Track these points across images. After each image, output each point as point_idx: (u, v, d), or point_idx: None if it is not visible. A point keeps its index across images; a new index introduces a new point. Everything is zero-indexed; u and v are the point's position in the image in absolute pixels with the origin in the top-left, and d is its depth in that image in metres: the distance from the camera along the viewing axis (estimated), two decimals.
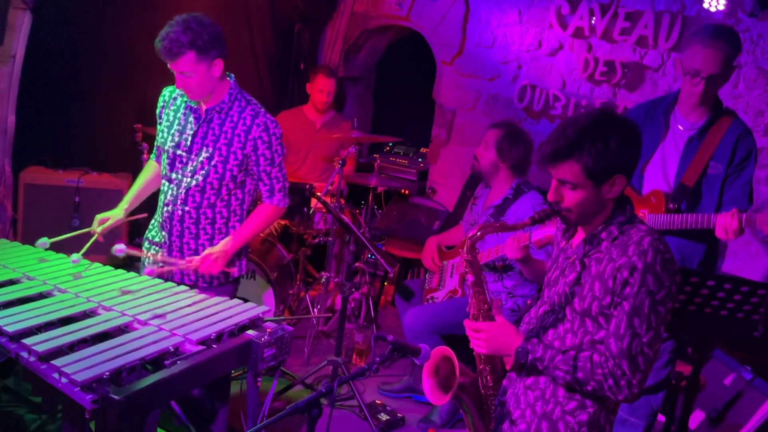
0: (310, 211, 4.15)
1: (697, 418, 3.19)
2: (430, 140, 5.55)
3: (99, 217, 2.77)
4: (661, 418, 3.10)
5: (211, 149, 2.67)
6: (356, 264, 4.54)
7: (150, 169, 2.95)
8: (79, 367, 1.88)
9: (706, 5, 3.99)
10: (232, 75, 2.73)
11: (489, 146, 3.47)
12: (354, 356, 4.10)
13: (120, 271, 2.68)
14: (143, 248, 2.90)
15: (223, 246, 2.71)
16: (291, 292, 4.27)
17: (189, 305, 2.43)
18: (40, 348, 1.95)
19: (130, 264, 3.16)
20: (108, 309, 2.31)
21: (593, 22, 4.48)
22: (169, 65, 2.55)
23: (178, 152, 2.71)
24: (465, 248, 2.03)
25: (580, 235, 1.95)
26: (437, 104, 5.46)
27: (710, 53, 2.54)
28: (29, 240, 2.82)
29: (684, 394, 2.70)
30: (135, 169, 3.52)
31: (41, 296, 2.35)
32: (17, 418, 2.97)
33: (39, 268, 2.57)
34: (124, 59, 4.16)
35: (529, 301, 2.16)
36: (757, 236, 2.42)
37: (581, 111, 1.87)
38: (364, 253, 4.56)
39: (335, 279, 4.36)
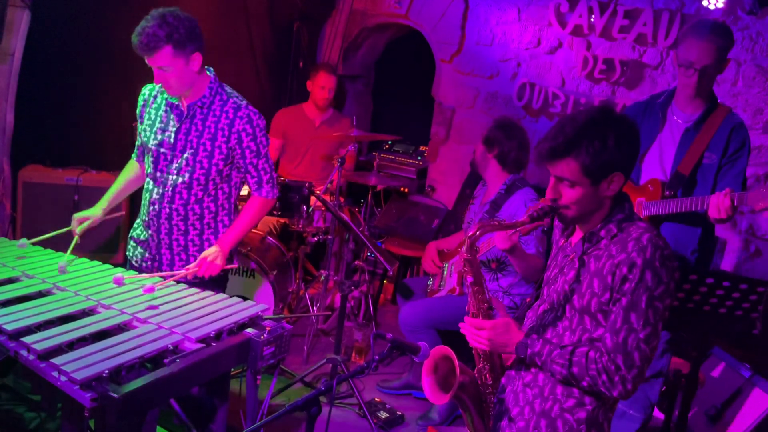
0: (310, 210, 4.15)
1: (695, 415, 3.20)
2: (429, 138, 5.55)
3: (77, 216, 2.75)
4: (660, 415, 3.11)
5: (195, 145, 2.67)
6: (356, 262, 4.55)
7: (130, 168, 2.94)
8: (79, 366, 1.88)
9: (705, 3, 3.99)
10: (212, 69, 2.72)
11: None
12: (353, 354, 4.10)
13: (119, 269, 2.68)
14: (128, 248, 2.91)
15: (218, 245, 2.72)
16: (290, 290, 4.27)
17: (188, 303, 2.44)
18: (39, 346, 1.95)
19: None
20: (107, 307, 2.31)
21: (592, 20, 4.48)
22: (146, 60, 2.54)
23: (162, 150, 2.71)
24: (465, 247, 2.03)
25: (578, 233, 1.95)
26: (436, 102, 5.46)
27: (703, 45, 2.68)
28: (28, 238, 2.81)
29: (683, 391, 2.71)
30: None
31: (40, 294, 2.35)
32: (17, 417, 2.97)
33: (39, 267, 2.57)
34: (122, 57, 4.13)
35: (528, 299, 2.16)
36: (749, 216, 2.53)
37: (580, 109, 1.89)
38: (364, 252, 4.56)
39: (335, 277, 4.36)
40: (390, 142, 5.88)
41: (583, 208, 1.86)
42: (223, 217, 2.81)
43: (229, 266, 2.80)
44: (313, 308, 4.44)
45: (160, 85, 2.63)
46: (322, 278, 4.31)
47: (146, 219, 2.79)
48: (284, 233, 4.52)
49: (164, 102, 2.73)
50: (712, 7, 3.98)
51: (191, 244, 2.78)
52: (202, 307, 2.41)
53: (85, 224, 2.74)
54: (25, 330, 2.06)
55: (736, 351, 3.27)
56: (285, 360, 2.48)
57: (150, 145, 2.73)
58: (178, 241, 2.77)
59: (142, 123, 2.80)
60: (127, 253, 2.96)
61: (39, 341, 1.98)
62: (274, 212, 4.18)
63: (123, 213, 2.93)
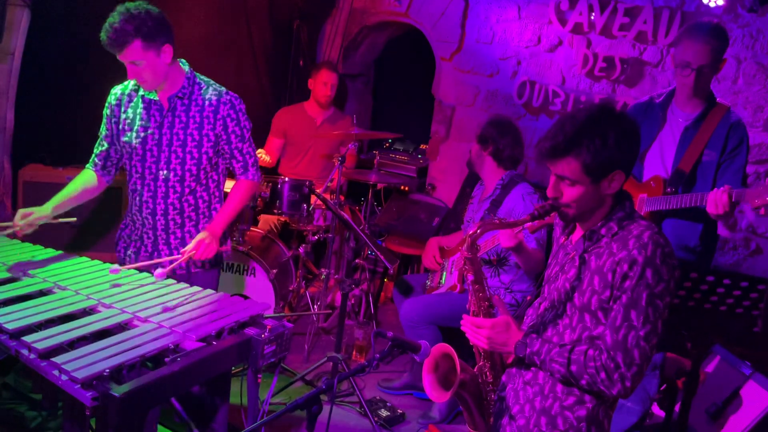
0: (310, 208, 4.15)
1: (696, 413, 3.20)
2: (429, 136, 5.55)
3: (22, 211, 2.67)
4: (660, 413, 3.11)
5: (182, 137, 2.68)
6: (356, 261, 4.55)
7: (86, 178, 2.84)
8: (80, 365, 1.88)
9: (705, 0, 3.99)
10: (184, 60, 2.73)
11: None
12: (354, 353, 4.10)
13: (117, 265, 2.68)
14: (118, 250, 2.91)
15: (209, 230, 2.74)
16: (291, 288, 4.28)
17: (189, 302, 2.44)
18: (40, 345, 1.95)
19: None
20: (108, 306, 2.31)
21: (592, 17, 4.48)
22: (118, 57, 2.53)
23: (148, 147, 2.71)
24: (465, 245, 2.03)
25: (579, 231, 1.96)
26: (436, 100, 5.46)
27: (698, 46, 2.74)
28: (28, 238, 2.81)
29: (683, 389, 2.71)
30: None
31: (41, 293, 2.35)
32: (18, 416, 2.98)
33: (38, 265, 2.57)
34: None
35: (528, 297, 2.17)
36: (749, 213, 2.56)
37: (580, 107, 1.89)
38: (364, 250, 4.57)
39: (335, 276, 4.37)
40: (390, 141, 5.88)
41: (583, 207, 1.86)
42: (215, 205, 2.86)
43: (222, 248, 2.83)
44: (313, 307, 4.44)
45: (133, 82, 2.63)
46: (323, 277, 4.31)
47: (140, 218, 2.79)
48: (285, 232, 4.52)
49: (141, 99, 2.72)
50: (712, 4, 3.98)
51: (188, 235, 2.81)
52: (203, 306, 2.41)
53: (29, 219, 2.63)
54: (26, 329, 2.06)
55: (737, 349, 3.27)
56: (286, 358, 2.48)
57: (134, 145, 2.72)
58: (176, 234, 2.80)
59: (118, 124, 2.76)
60: (117, 255, 2.93)
61: (40, 340, 1.98)
62: (275, 211, 4.18)
63: (74, 219, 2.87)
